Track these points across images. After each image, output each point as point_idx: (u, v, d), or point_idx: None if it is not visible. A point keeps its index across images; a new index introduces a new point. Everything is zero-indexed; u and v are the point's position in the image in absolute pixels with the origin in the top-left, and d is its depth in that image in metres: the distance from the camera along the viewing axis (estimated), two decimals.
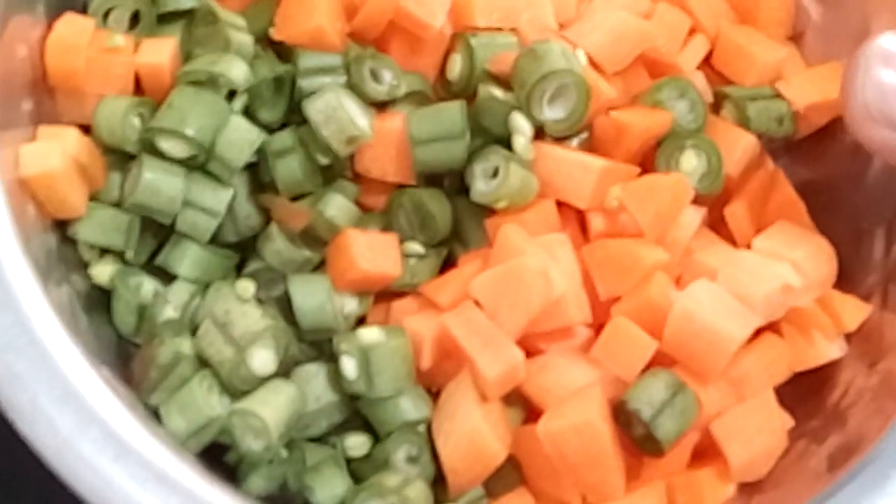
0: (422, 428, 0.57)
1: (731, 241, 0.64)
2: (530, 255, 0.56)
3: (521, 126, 0.59)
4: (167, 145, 0.58)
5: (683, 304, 0.57)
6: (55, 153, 0.55)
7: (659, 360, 0.58)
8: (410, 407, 0.57)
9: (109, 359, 0.57)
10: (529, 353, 0.58)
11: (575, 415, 0.55)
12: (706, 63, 0.69)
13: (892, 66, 0.54)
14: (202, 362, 0.56)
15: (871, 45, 0.55)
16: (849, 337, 0.62)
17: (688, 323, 0.57)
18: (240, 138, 0.58)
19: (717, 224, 0.65)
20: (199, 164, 0.58)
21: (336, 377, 0.57)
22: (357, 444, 0.58)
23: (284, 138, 0.60)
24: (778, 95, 0.66)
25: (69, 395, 0.49)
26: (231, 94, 0.59)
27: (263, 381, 0.56)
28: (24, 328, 0.50)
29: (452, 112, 0.60)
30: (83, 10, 0.61)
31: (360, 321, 0.61)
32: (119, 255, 0.60)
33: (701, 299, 0.57)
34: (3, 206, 0.53)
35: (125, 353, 0.59)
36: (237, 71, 0.59)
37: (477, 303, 0.57)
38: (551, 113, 0.60)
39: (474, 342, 0.56)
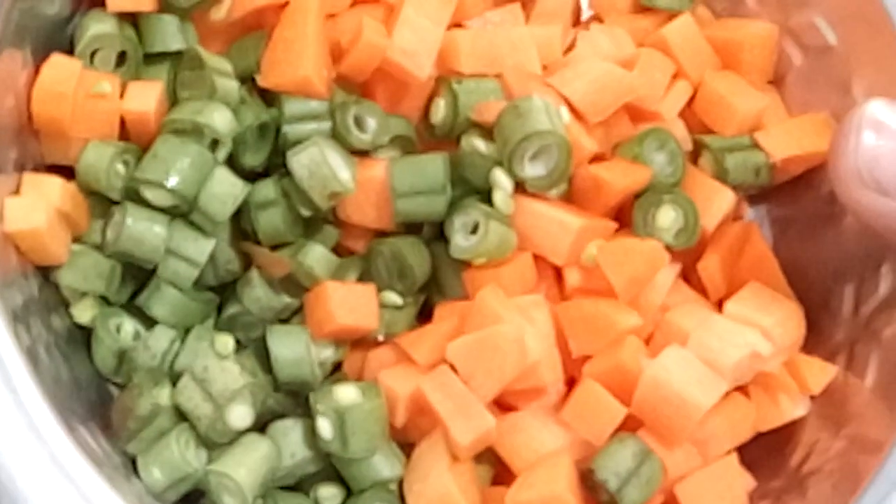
0: (394, 486, 0.58)
1: (704, 292, 0.65)
2: (506, 323, 0.57)
3: (502, 182, 0.60)
4: (151, 195, 0.58)
5: (653, 371, 0.58)
6: (39, 208, 0.55)
7: (628, 421, 0.59)
8: (383, 465, 0.58)
9: (88, 402, 0.57)
10: (502, 408, 0.59)
11: (543, 487, 0.56)
12: (688, 106, 0.68)
13: (882, 132, 0.55)
14: (180, 414, 0.57)
15: (862, 111, 0.56)
16: (813, 398, 0.63)
17: (657, 390, 0.58)
18: (223, 192, 0.58)
19: (689, 272, 0.66)
20: (183, 212, 0.58)
21: (311, 433, 0.57)
22: (330, 494, 0.59)
23: (267, 190, 0.60)
24: (756, 145, 0.66)
25: (46, 470, 0.50)
26: (216, 141, 0.59)
27: (239, 434, 0.57)
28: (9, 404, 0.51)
29: (435, 166, 0.60)
30: (70, 48, 0.60)
31: (337, 366, 0.62)
32: (101, 296, 0.60)
33: (670, 367, 0.58)
34: None
35: (105, 393, 0.60)
36: (222, 121, 0.58)
37: (452, 367, 0.58)
38: (532, 170, 0.60)
39: (448, 407, 0.57)
